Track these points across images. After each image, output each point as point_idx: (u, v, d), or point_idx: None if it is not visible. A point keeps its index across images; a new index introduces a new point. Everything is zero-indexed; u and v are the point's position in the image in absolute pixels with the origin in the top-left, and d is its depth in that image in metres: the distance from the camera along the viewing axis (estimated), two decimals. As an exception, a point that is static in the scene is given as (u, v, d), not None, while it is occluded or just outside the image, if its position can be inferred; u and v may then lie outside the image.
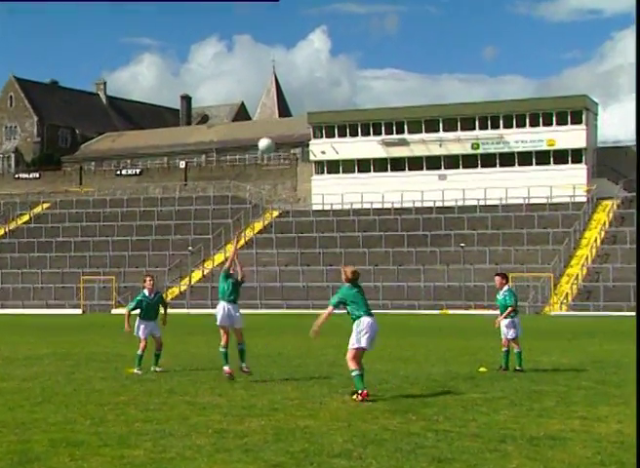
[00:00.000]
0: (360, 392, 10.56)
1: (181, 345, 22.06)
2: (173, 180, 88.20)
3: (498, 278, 14.77)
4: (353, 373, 10.65)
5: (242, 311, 13.72)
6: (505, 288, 14.60)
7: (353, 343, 10.70)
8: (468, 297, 59.57)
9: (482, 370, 14.65)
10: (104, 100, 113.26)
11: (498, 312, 14.78)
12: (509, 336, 14.54)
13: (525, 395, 11.36)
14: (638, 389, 10.43)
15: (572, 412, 9.74)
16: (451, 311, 56.87)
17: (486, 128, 76.96)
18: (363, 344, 10.67)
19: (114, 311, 63.28)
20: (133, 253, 72.60)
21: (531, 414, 9.71)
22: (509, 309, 14.38)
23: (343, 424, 9.02)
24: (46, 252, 73.62)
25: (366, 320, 10.73)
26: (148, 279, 15.05)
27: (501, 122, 76.54)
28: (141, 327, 14.82)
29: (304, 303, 61.83)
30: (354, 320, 10.81)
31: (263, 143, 16.72)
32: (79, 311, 63.43)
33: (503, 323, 14.54)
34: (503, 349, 14.61)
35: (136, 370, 14.54)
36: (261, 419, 9.33)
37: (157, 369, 14.79)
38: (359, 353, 10.73)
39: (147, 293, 14.95)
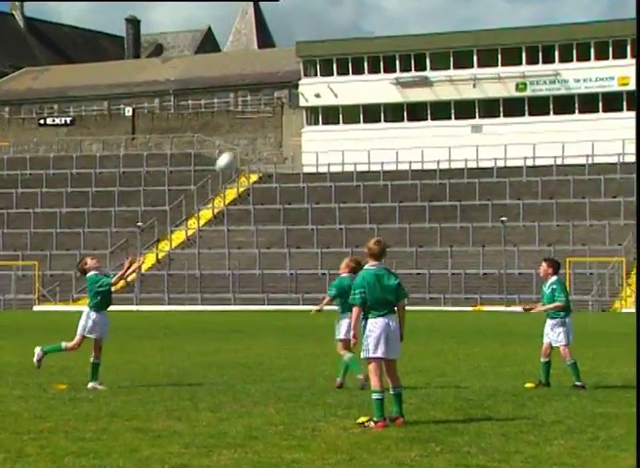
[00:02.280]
0: (376, 421, 10.62)
1: (128, 353, 22.10)
2: (116, 133, 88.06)
3: (544, 265, 14.79)
4: (373, 396, 10.74)
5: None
6: (553, 278, 14.61)
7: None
8: (511, 290, 59.80)
9: (529, 385, 14.71)
10: (21, 24, 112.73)
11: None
12: (558, 343, 14.56)
13: (587, 419, 11.41)
14: (638, 390, 10.36)
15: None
16: (487, 307, 57.08)
17: (536, 62, 76.94)
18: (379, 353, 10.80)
19: (37, 307, 63.36)
20: (62, 230, 72.61)
21: (595, 445, 9.74)
22: (556, 305, 14.42)
23: (344, 457, 9.04)
24: (-54, 228, 73.66)
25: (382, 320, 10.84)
26: (84, 260, 15.04)
27: (557, 54, 76.54)
28: (99, 322, 14.74)
29: (292, 297, 61.99)
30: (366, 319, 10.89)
31: (223, 161, 16.69)
32: (-9, 308, 63.57)
33: (548, 324, 14.59)
34: (543, 359, 14.71)
35: (95, 385, 14.52)
36: (235, 451, 9.35)
37: (96, 385, 14.80)
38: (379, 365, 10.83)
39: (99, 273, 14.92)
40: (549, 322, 14.62)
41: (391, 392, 10.92)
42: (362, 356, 10.91)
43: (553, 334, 14.60)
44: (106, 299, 14.82)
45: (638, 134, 18.88)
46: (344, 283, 14.20)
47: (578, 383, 14.41)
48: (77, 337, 14.85)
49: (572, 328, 14.77)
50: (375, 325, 10.81)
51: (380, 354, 10.78)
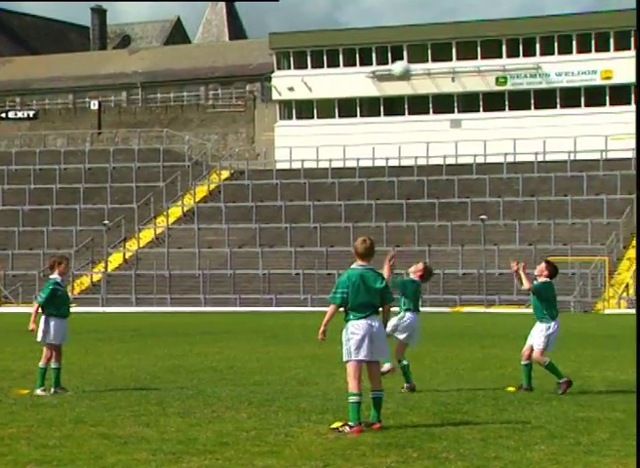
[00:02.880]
0: (352, 425, 10.61)
1: (93, 356, 22.02)
2: (81, 127, 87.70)
3: (543, 265, 14.82)
4: (350, 399, 10.72)
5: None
6: (544, 280, 14.68)
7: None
8: (491, 290, 59.98)
9: (510, 389, 14.75)
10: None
11: (530, 311, 14.91)
12: (538, 346, 14.56)
13: (568, 424, 11.46)
14: (638, 391, 10.51)
15: (632, 448, 9.82)
16: (466, 309, 57.23)
17: (516, 55, 77.21)
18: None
19: (-1, 309, 62.96)
20: (25, 228, 72.28)
21: (576, 451, 9.79)
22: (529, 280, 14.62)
23: (318, 464, 9.04)
24: None
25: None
26: (65, 263, 15.08)
27: (538, 47, 76.84)
28: (54, 328, 14.74)
29: (265, 298, 61.94)
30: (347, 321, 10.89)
31: (400, 67, 16.83)
32: (-50, 310, 63.11)
33: (537, 327, 14.56)
34: (523, 362, 14.75)
35: (38, 392, 14.50)
36: (205, 458, 9.34)
37: (58, 389, 14.74)
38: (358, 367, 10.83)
39: (60, 281, 14.92)
40: (538, 325, 14.60)
41: (371, 395, 10.90)
42: (344, 359, 10.90)
43: (537, 337, 14.56)
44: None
45: (638, 129, 18.98)
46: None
47: (562, 380, 14.43)
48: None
49: (556, 334, 14.74)
50: (357, 327, 10.78)
51: (362, 356, 10.74)
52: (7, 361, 20.70)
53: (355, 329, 10.78)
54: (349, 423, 10.65)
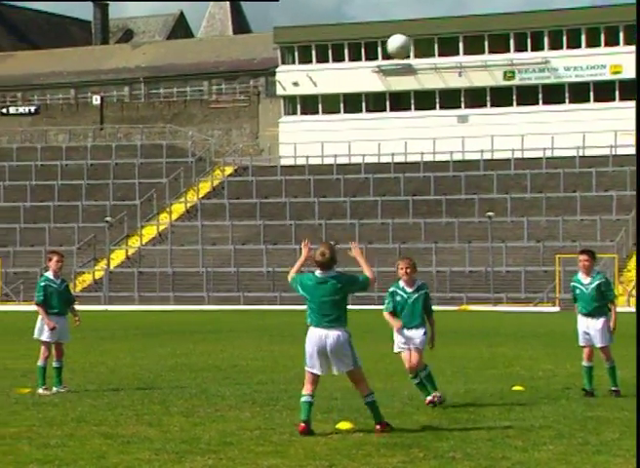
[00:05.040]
0: (299, 423, 10.57)
1: (95, 355, 22.04)
2: (83, 123, 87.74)
3: (585, 256, 14.39)
4: (302, 398, 10.69)
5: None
6: (597, 274, 14.30)
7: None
8: (498, 288, 59.93)
9: (517, 388, 14.74)
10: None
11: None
12: (601, 344, 14.02)
13: (577, 424, 11.44)
14: (638, 391, 10.41)
15: (641, 447, 9.80)
16: (473, 307, 57.18)
17: (524, 49, 77.09)
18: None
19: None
20: (26, 225, 72.30)
21: (585, 451, 9.77)
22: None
23: (323, 464, 9.04)
24: None
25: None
26: (56, 257, 14.98)
27: (546, 41, 76.71)
28: (47, 326, 14.77)
29: (269, 296, 61.94)
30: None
31: (397, 41, 16.47)
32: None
33: (593, 324, 13.96)
34: (585, 363, 14.20)
35: (40, 391, 14.54)
36: (208, 457, 9.34)
37: (60, 389, 14.75)
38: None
39: (52, 277, 14.90)
40: (593, 321, 13.97)
41: (364, 401, 10.81)
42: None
43: (598, 334, 13.93)
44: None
45: (638, 125, 18.95)
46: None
47: (614, 389, 14.09)
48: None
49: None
50: (309, 335, 10.67)
51: (315, 370, 10.65)
52: (7, 360, 20.72)
53: (307, 337, 10.70)
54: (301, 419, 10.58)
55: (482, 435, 10.57)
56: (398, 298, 12.64)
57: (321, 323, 10.56)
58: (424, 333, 12.61)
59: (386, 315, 12.71)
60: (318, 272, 10.77)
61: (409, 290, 12.67)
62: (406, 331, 12.60)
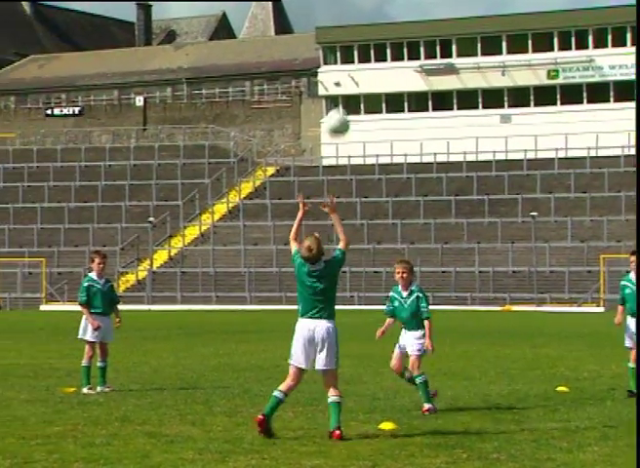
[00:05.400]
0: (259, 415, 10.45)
1: (139, 355, 22.15)
2: (126, 123, 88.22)
3: (633, 258, 14.20)
4: (273, 392, 10.59)
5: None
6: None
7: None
8: (541, 288, 59.61)
9: (562, 389, 14.66)
10: (28, 9, 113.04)
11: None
12: None
13: (622, 425, 11.36)
14: (638, 391, 11.03)
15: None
16: (516, 307, 56.92)
17: (568, 48, 76.59)
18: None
19: (44, 307, 63.60)
20: (70, 225, 72.82)
21: (631, 452, 9.70)
22: None
23: (365, 464, 9.04)
24: (-51, 224, 73.97)
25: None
26: (98, 258, 15.05)
27: (591, 39, 76.16)
28: (91, 326, 14.85)
29: (311, 296, 61.86)
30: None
31: (335, 119, 16.53)
32: (-4, 307, 63.83)
33: (633, 324, 13.82)
34: (631, 364, 14.09)
35: (85, 390, 14.63)
36: (251, 457, 9.36)
37: (105, 388, 14.84)
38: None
39: (96, 277, 14.98)
40: (633, 321, 13.82)
41: (328, 400, 10.46)
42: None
43: None
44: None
45: (639, 125, 18.71)
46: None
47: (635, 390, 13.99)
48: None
49: None
50: (297, 327, 10.61)
51: (301, 364, 10.59)
52: (53, 359, 20.89)
53: (296, 329, 10.63)
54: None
55: (526, 436, 10.53)
56: (396, 304, 12.68)
57: (311, 313, 10.48)
58: (421, 338, 12.48)
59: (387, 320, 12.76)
60: (309, 265, 10.60)
61: (404, 294, 12.64)
62: (403, 335, 12.60)
